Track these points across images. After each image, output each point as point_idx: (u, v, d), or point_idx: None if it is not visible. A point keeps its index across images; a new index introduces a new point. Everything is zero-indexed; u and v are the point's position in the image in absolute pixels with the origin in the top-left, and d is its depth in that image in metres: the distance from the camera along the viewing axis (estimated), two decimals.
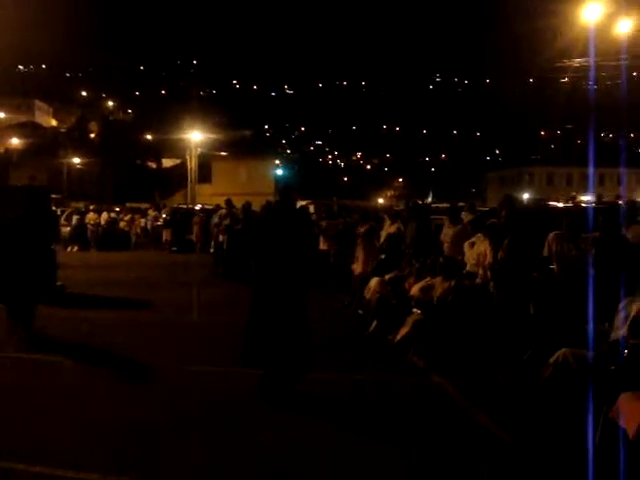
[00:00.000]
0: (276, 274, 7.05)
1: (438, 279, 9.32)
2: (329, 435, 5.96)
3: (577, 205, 21.06)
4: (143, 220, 32.18)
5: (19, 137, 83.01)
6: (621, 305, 6.33)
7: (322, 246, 16.49)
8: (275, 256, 7.08)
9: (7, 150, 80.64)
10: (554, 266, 8.92)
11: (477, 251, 9.90)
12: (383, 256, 12.54)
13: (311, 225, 8.27)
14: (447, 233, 11.71)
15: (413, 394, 7.32)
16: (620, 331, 6.12)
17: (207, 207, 31.36)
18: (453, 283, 8.99)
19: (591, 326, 6.46)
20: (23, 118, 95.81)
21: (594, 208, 14.28)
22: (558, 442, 5.58)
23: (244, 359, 7.04)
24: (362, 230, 13.41)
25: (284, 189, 7.86)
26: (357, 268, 13.09)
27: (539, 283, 8.46)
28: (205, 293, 14.58)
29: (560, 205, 21.03)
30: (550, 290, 8.21)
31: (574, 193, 39.28)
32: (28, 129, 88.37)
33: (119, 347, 9.31)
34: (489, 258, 9.36)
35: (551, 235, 9.02)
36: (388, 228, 14.03)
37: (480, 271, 9.64)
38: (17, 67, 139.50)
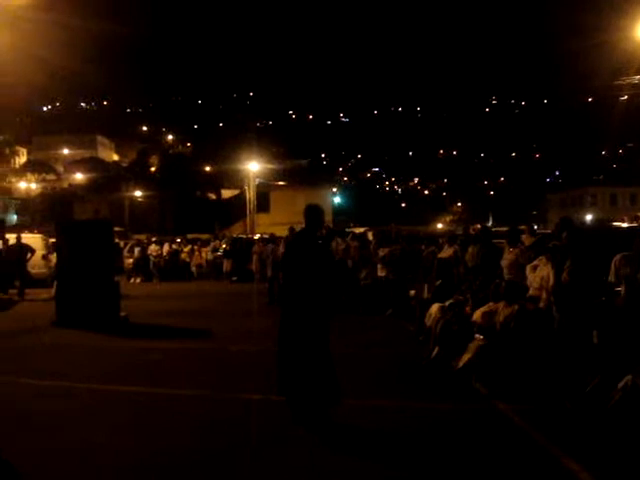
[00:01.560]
0: (298, 300, 7.01)
1: (501, 304, 9.17)
2: (385, 468, 5.87)
3: None
4: (204, 250, 32.58)
5: (83, 172, 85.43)
6: None
7: (380, 273, 16.46)
8: (297, 283, 7.04)
9: (71, 185, 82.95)
10: (621, 289, 8.67)
11: (540, 275, 9.72)
12: (439, 282, 12.45)
13: (329, 251, 8.09)
14: (506, 257, 11.53)
15: (477, 422, 7.17)
16: None
17: (265, 236, 31.65)
18: (516, 308, 8.83)
19: None
20: (86, 154, 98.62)
21: None
22: (627, 470, 5.40)
23: (280, 388, 7.07)
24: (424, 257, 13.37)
25: (309, 214, 7.46)
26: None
27: (605, 307, 8.25)
28: (261, 322, 14.64)
29: (625, 225, 20.51)
30: (616, 314, 8.00)
31: (638, 212, 38.34)
32: (91, 164, 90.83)
33: (180, 376, 9.40)
34: (552, 281, 9.18)
35: (618, 257, 8.77)
36: (445, 252, 13.93)
37: (543, 295, 9.45)
38: (79, 104, 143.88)
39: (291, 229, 18.72)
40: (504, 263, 11.45)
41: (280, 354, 7.08)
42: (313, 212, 7.42)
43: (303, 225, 7.53)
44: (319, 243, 7.30)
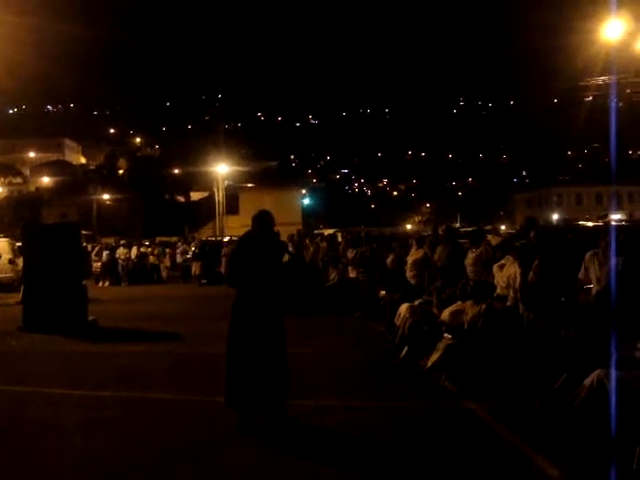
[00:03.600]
0: (250, 301, 6.90)
1: (468, 303, 9.25)
2: (351, 466, 5.89)
3: (607, 224, 20.82)
4: (170, 251, 32.45)
5: (49, 175, 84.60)
6: None
7: (350, 274, 16.51)
8: (250, 283, 6.92)
9: (38, 189, 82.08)
10: (592, 286, 8.78)
11: (506, 273, 9.82)
12: (413, 281, 12.54)
13: (281, 253, 7.86)
14: (469, 256, 11.65)
15: (446, 420, 7.22)
16: None
17: (234, 239, 31.58)
18: (484, 307, 8.91)
19: (619, 345, 6.37)
20: (53, 157, 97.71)
21: (626, 226, 14.14)
22: (595, 466, 5.47)
23: (228, 400, 6.90)
24: (389, 260, 13.43)
25: (258, 217, 7.25)
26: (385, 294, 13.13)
27: (573, 305, 8.36)
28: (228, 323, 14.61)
29: (590, 224, 20.81)
30: (585, 312, 8.10)
31: (604, 212, 38.92)
32: (58, 167, 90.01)
33: (149, 380, 9.36)
34: (519, 280, 9.28)
35: (588, 255, 8.89)
36: (414, 253, 14.01)
37: (511, 293, 9.55)
38: (46, 107, 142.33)
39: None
40: (468, 262, 11.56)
41: (229, 358, 6.94)
42: (262, 217, 7.22)
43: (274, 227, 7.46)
44: (266, 243, 7.16)
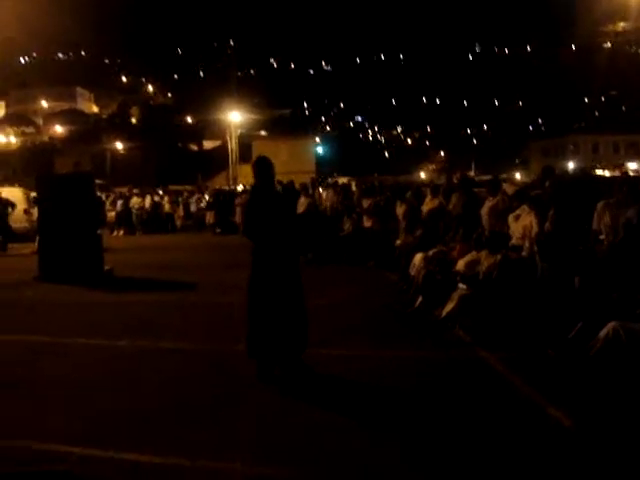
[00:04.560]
0: (268, 253, 6.90)
1: (483, 253, 9.22)
2: (368, 415, 5.94)
3: (625, 173, 20.61)
4: (183, 200, 32.46)
5: (62, 125, 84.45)
6: None
7: (366, 223, 16.47)
8: (266, 235, 6.91)
9: (51, 138, 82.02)
10: (603, 237, 8.71)
11: (522, 224, 9.76)
12: (419, 231, 12.47)
13: (294, 202, 7.67)
14: (486, 206, 11.57)
15: (460, 369, 7.26)
16: None
17: (248, 188, 31.51)
18: (499, 257, 8.87)
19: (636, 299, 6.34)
20: (65, 106, 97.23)
21: None
22: (609, 417, 5.49)
23: (251, 351, 6.96)
24: (401, 211, 13.35)
25: (259, 167, 7.15)
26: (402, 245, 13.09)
27: (588, 254, 8.31)
28: (244, 274, 14.64)
29: (607, 174, 20.60)
30: (599, 262, 8.06)
31: (621, 161, 38.52)
32: (71, 116, 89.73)
33: (165, 329, 9.44)
34: (535, 230, 9.23)
35: (600, 204, 8.79)
36: (429, 203, 13.94)
37: (526, 244, 9.51)
38: (57, 55, 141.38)
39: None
40: (484, 211, 11.49)
41: (250, 310, 6.98)
42: (262, 166, 7.15)
43: (276, 177, 7.38)
44: (277, 196, 7.11)
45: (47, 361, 7.85)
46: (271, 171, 7.14)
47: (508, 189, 13.02)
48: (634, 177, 16.58)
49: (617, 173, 20.28)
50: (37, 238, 15.71)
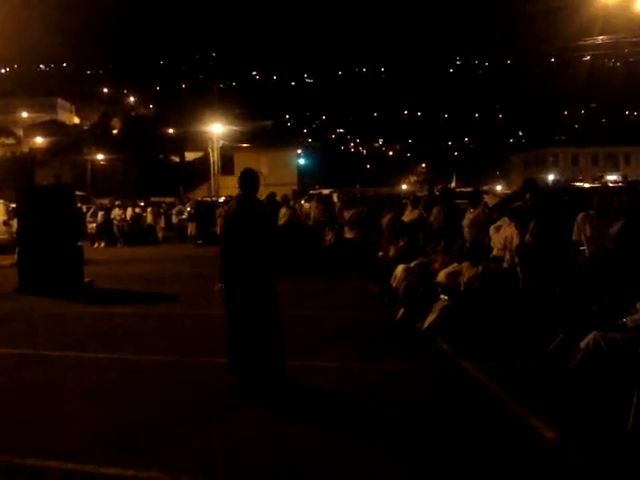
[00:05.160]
0: (244, 266, 6.85)
1: (465, 265, 9.25)
2: (349, 428, 5.92)
3: (604, 185, 20.78)
4: (164, 211, 32.41)
5: (43, 136, 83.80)
6: None
7: (347, 235, 16.48)
8: (241, 248, 6.87)
9: (31, 149, 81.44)
10: (584, 248, 8.78)
11: (503, 235, 9.82)
12: (402, 243, 12.49)
13: (271, 215, 7.51)
14: (467, 217, 11.64)
15: (442, 381, 7.26)
16: None
17: (230, 199, 31.45)
18: (480, 269, 8.90)
19: (616, 308, 6.38)
20: (46, 117, 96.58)
21: (620, 188, 14.11)
22: (590, 427, 5.51)
23: (230, 363, 6.93)
24: (386, 221, 13.37)
25: (243, 179, 7.09)
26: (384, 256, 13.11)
27: (568, 265, 8.36)
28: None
29: (586, 186, 20.76)
30: (580, 272, 8.11)
31: (600, 173, 38.83)
32: (51, 128, 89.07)
33: (146, 341, 9.39)
34: (516, 242, 9.27)
35: (580, 216, 8.86)
36: (409, 214, 13.98)
37: (507, 255, 9.55)
38: (38, 66, 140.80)
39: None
40: (465, 223, 11.54)
41: (230, 324, 6.94)
42: (248, 177, 7.11)
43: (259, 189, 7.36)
44: (258, 207, 7.09)
45: (27, 374, 7.78)
46: (255, 183, 7.13)
47: (489, 200, 13.08)
48: (613, 188, 16.74)
49: (597, 184, 20.42)
50: (17, 250, 15.58)
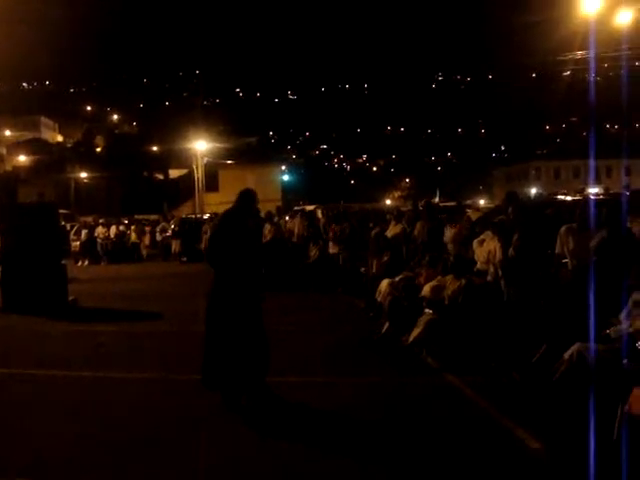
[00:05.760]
0: (230, 280, 6.86)
1: (449, 278, 9.29)
2: (335, 443, 5.93)
3: (586, 198, 20.96)
4: (148, 229, 32.32)
5: (26, 154, 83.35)
6: (631, 298, 6.30)
7: (331, 250, 16.51)
8: (228, 262, 6.87)
9: (15, 168, 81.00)
10: (567, 260, 8.85)
11: (486, 249, 9.89)
12: (386, 258, 12.54)
13: (258, 231, 7.47)
14: (447, 234, 11.75)
15: (427, 395, 7.29)
16: (626, 323, 6.11)
17: (214, 216, 31.38)
18: (463, 282, 8.95)
19: (597, 320, 6.44)
20: (29, 135, 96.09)
21: (603, 200, 14.21)
22: (575, 438, 5.54)
23: (204, 379, 6.94)
24: (372, 234, 13.43)
25: (241, 195, 7.21)
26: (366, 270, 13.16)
27: (551, 279, 8.43)
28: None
29: (569, 199, 20.93)
30: (563, 285, 8.18)
31: (582, 186, 39.12)
32: (34, 146, 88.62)
33: (130, 359, 9.35)
34: (499, 255, 9.34)
35: (563, 229, 8.94)
36: (393, 229, 14.05)
37: (490, 269, 9.61)
38: (21, 84, 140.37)
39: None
40: (446, 239, 11.63)
41: (207, 337, 6.94)
42: (245, 196, 7.18)
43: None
44: (246, 223, 7.10)
45: (9, 392, 7.73)
46: (252, 204, 7.21)
47: (472, 215, 13.18)
48: (595, 200, 16.87)
49: (578, 197, 20.60)
50: (0, 268, 15.47)
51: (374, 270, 12.86)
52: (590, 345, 6.09)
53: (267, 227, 18.11)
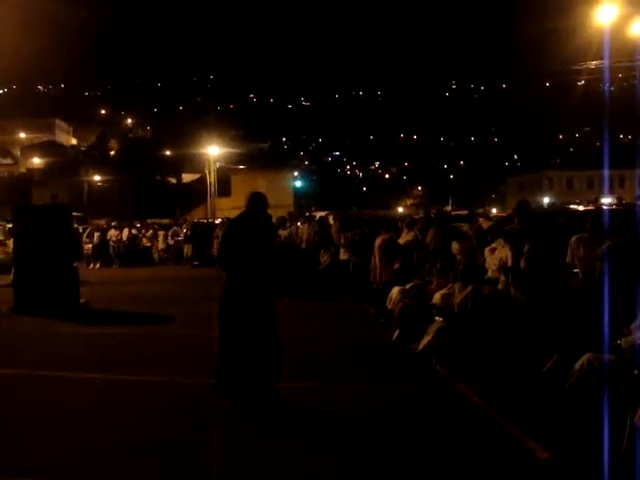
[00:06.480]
0: (242, 284, 6.88)
1: (457, 286, 9.27)
2: (344, 449, 5.92)
3: (598, 208, 20.90)
4: (162, 233, 32.40)
5: (40, 157, 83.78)
6: None
7: (342, 256, 16.49)
8: (241, 265, 6.89)
9: (29, 170, 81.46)
10: (578, 270, 8.83)
11: (498, 257, 9.87)
12: (397, 265, 12.53)
13: (273, 235, 7.44)
14: (454, 247, 11.76)
15: (437, 403, 7.27)
16: (638, 333, 6.08)
17: (226, 220, 31.42)
18: (470, 289, 8.93)
19: (609, 330, 6.41)
20: (44, 138, 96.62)
21: (615, 210, 14.19)
22: (585, 448, 5.52)
23: (218, 384, 6.94)
24: (379, 240, 13.41)
25: (253, 197, 7.24)
26: (373, 277, 13.13)
27: (563, 288, 8.41)
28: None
29: (581, 208, 20.88)
30: (574, 295, 8.15)
31: (595, 196, 38.99)
32: (49, 148, 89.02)
33: (141, 362, 9.38)
34: (510, 264, 9.32)
35: (573, 239, 8.92)
36: (405, 236, 14.04)
37: (502, 277, 9.59)
38: (36, 87, 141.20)
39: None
40: (454, 250, 11.64)
41: (221, 341, 6.95)
42: (256, 199, 7.21)
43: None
44: (258, 226, 7.12)
45: (22, 394, 7.76)
46: (262, 208, 7.22)
47: (484, 223, 13.16)
48: (608, 210, 16.82)
49: (591, 207, 20.55)
50: (12, 270, 15.57)
51: (378, 276, 12.87)
52: (601, 355, 6.07)
53: (279, 233, 18.14)
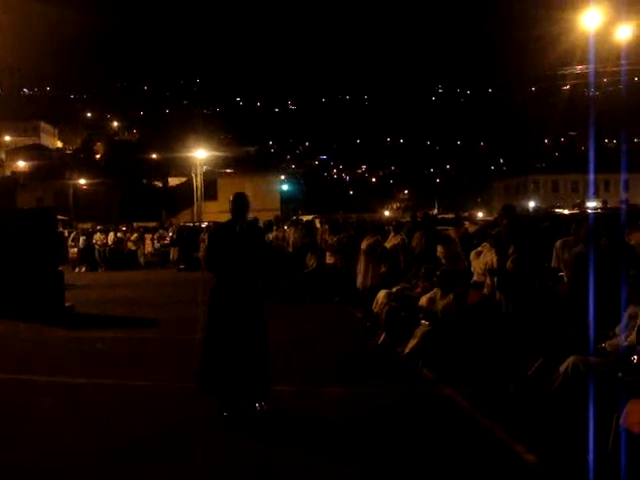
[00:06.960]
0: (231, 288, 6.84)
1: (438, 292, 9.29)
2: (331, 453, 5.92)
3: (583, 212, 21.01)
4: (149, 236, 32.32)
5: (25, 160, 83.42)
6: (627, 311, 6.32)
7: (328, 260, 16.51)
8: (229, 270, 6.86)
9: (14, 173, 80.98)
10: (563, 274, 8.87)
11: (484, 260, 9.90)
12: (384, 269, 12.55)
13: (263, 239, 7.39)
14: (438, 249, 11.80)
15: (423, 406, 7.29)
16: (622, 336, 6.12)
17: (212, 224, 31.38)
18: (452, 297, 8.95)
19: (594, 333, 6.45)
20: (29, 141, 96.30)
21: (600, 214, 14.27)
22: (571, 451, 5.54)
23: (201, 385, 6.87)
24: (365, 244, 13.42)
25: (235, 201, 7.10)
26: (359, 281, 13.13)
27: (548, 291, 8.45)
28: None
29: (566, 212, 20.99)
30: (559, 298, 8.19)
31: (579, 200, 39.23)
32: (34, 151, 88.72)
33: (127, 366, 9.34)
34: (495, 267, 9.34)
35: (558, 242, 8.97)
36: (392, 240, 14.06)
37: (487, 280, 9.62)
38: (22, 90, 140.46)
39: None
40: (438, 254, 11.67)
41: (206, 344, 6.88)
42: (237, 199, 7.11)
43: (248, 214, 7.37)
44: (243, 229, 7.08)
45: (5, 398, 7.71)
46: (244, 208, 7.13)
47: (469, 227, 13.20)
48: (593, 214, 16.92)
49: (576, 211, 20.66)
50: None
51: (364, 280, 12.86)
52: (586, 358, 6.10)
53: (267, 236, 18.12)
